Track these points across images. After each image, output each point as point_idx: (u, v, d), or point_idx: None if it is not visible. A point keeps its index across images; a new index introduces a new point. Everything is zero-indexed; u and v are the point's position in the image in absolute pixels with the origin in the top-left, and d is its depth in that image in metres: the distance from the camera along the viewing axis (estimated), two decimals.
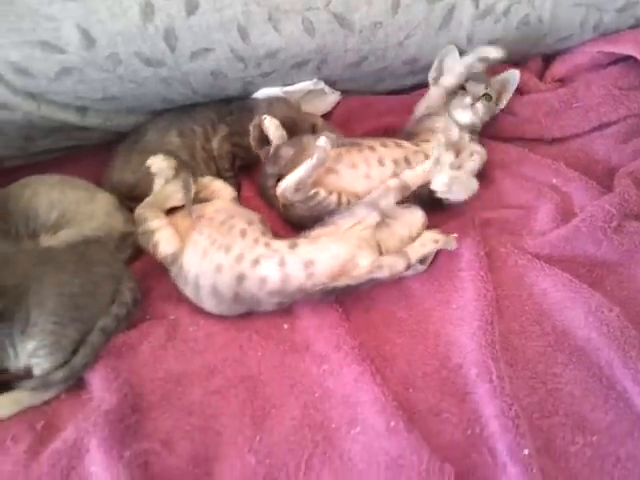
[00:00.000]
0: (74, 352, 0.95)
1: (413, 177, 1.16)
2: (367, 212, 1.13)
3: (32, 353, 0.94)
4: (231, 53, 1.16)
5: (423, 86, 1.44)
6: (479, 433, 0.88)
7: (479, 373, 0.92)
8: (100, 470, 0.84)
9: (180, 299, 1.12)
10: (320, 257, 1.05)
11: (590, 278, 1.07)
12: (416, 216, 1.15)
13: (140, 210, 1.15)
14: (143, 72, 1.14)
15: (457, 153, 1.22)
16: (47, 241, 1.11)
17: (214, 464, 0.88)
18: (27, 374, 0.95)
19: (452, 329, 1.01)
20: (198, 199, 1.20)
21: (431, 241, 1.09)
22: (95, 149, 1.38)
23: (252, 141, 1.24)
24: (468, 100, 1.28)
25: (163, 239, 1.08)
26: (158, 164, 1.19)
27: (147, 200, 1.17)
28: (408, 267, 1.06)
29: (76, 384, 0.98)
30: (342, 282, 1.04)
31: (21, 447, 0.89)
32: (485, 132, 1.35)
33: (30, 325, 0.94)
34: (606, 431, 0.88)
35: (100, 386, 0.95)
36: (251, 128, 1.23)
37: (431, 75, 1.33)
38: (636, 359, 0.92)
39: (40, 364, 0.93)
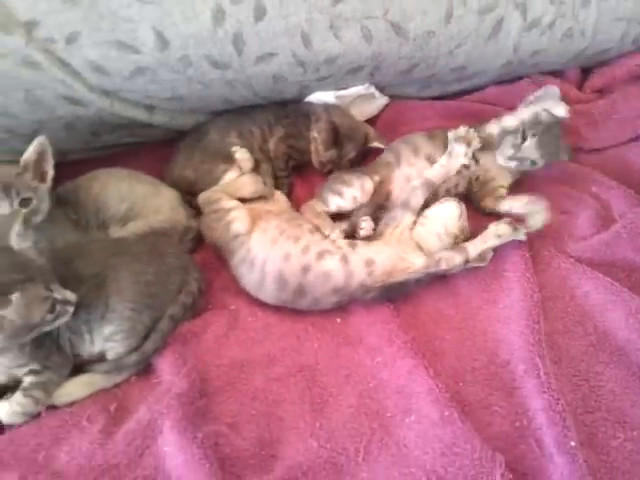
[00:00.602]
0: (145, 337, 1.02)
1: (434, 173, 1.22)
2: (402, 214, 1.20)
3: (109, 337, 1.00)
4: (293, 58, 1.21)
5: (466, 93, 1.53)
6: (527, 425, 0.94)
7: (527, 369, 0.99)
8: (174, 450, 0.90)
9: (239, 291, 1.19)
10: (377, 257, 1.12)
11: (629, 282, 1.13)
12: (449, 209, 1.19)
13: (209, 193, 1.23)
14: (211, 74, 1.19)
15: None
16: (116, 232, 1.18)
17: (278, 447, 0.95)
18: (101, 358, 1.02)
19: (499, 327, 1.07)
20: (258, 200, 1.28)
21: (493, 236, 1.13)
22: (154, 145, 1.44)
23: (322, 144, 1.32)
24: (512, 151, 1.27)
25: (237, 218, 1.16)
26: (242, 154, 1.28)
27: (216, 187, 1.25)
28: (466, 262, 1.11)
29: (145, 368, 1.05)
30: (400, 277, 1.09)
31: (96, 427, 0.97)
32: None
33: (109, 311, 1.00)
34: None
35: (169, 371, 1.02)
36: (316, 133, 1.31)
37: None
38: None
39: (115, 348, 1.00)
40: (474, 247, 1.13)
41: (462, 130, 1.26)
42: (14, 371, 0.99)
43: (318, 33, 1.20)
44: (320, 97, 1.40)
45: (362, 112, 1.48)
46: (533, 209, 1.19)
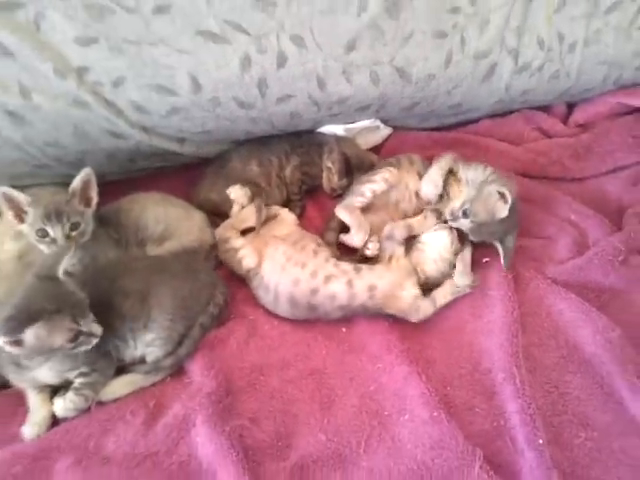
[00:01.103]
0: (179, 343, 1.18)
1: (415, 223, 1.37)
2: (391, 246, 1.35)
3: (150, 343, 1.17)
4: (309, 99, 1.38)
5: (461, 124, 1.69)
6: (503, 425, 1.09)
7: (505, 377, 1.13)
8: (205, 441, 1.05)
9: (257, 303, 1.35)
10: (379, 283, 1.27)
11: (598, 302, 1.28)
12: (441, 239, 1.35)
13: (221, 231, 1.40)
14: (237, 112, 1.35)
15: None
16: (153, 250, 1.34)
17: (292, 439, 1.09)
18: (141, 361, 1.19)
19: (483, 339, 1.22)
20: (266, 222, 1.44)
21: (450, 293, 1.28)
22: (181, 169, 1.58)
23: (336, 174, 1.48)
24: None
25: (246, 255, 1.32)
26: (236, 192, 1.43)
27: (226, 223, 1.42)
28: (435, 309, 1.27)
29: (178, 370, 1.20)
30: (391, 311, 1.26)
31: (138, 420, 1.11)
32: (516, 170, 1.56)
33: (150, 321, 1.17)
34: (605, 429, 1.09)
35: (199, 372, 1.17)
36: (330, 164, 1.47)
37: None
38: (632, 372, 1.13)
39: (154, 352, 1.17)
40: (440, 297, 1.27)
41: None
42: (66, 374, 1.14)
43: (332, 78, 1.36)
44: (331, 129, 1.56)
45: (367, 141, 1.64)
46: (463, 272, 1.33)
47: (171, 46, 1.23)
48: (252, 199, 1.44)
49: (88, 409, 1.15)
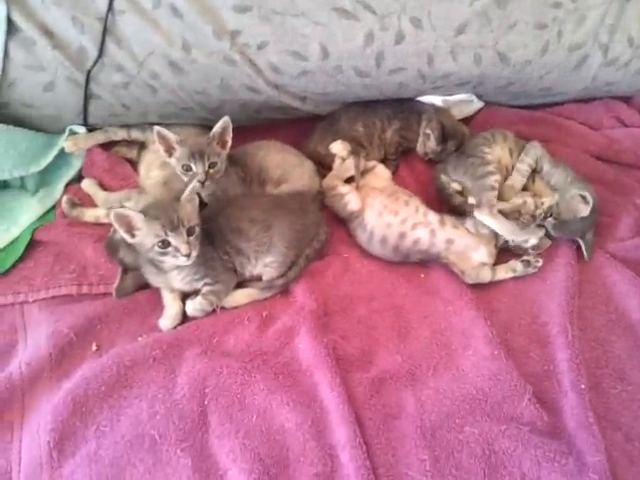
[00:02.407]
0: (289, 268, 1.40)
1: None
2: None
3: (268, 264, 1.39)
4: (417, 73, 1.55)
5: (548, 105, 1.82)
6: (552, 370, 1.24)
7: (559, 330, 1.29)
8: (307, 347, 1.25)
9: (350, 243, 1.54)
10: (457, 240, 1.44)
11: None
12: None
13: (328, 181, 1.59)
14: (354, 79, 1.54)
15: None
16: (271, 190, 1.54)
17: (374, 357, 1.28)
18: (258, 279, 1.41)
19: (544, 298, 1.37)
20: (364, 174, 1.61)
21: (512, 271, 1.42)
22: (296, 122, 1.76)
23: (435, 140, 1.62)
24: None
25: (352, 200, 1.51)
26: (337, 146, 1.60)
27: (332, 174, 1.60)
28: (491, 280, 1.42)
29: (285, 290, 1.41)
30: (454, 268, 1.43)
31: (253, 325, 1.32)
32: (591, 152, 1.70)
33: (272, 246, 1.39)
34: (638, 384, 1.23)
35: (302, 294, 1.37)
36: (429, 130, 1.62)
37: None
38: None
39: (270, 272, 1.39)
40: (501, 272, 1.42)
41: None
42: (194, 283, 1.34)
43: (440, 56, 1.53)
44: (430, 99, 1.72)
45: (460, 112, 1.79)
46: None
47: (309, 18, 1.42)
48: (351, 152, 1.60)
49: (213, 312, 1.36)
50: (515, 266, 1.41)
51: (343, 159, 1.60)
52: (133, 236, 1.27)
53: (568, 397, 1.19)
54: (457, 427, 1.15)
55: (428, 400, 1.20)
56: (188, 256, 1.26)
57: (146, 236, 1.26)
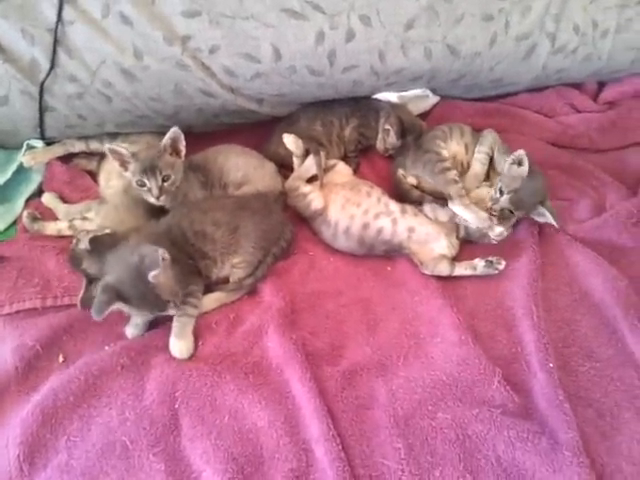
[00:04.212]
0: (256, 268, 1.39)
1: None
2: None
3: (235, 265, 1.38)
4: (370, 69, 1.55)
5: (501, 97, 1.83)
6: (520, 352, 1.25)
7: (524, 313, 1.29)
8: (276, 345, 1.25)
9: (315, 241, 1.54)
10: (418, 228, 1.45)
11: (610, 257, 1.41)
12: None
13: (291, 182, 1.59)
14: (308, 79, 1.53)
15: None
16: (233, 193, 1.53)
17: (343, 350, 1.28)
18: (225, 281, 1.39)
19: (508, 283, 1.39)
20: (326, 172, 1.61)
21: (471, 268, 1.41)
22: (254, 125, 1.76)
23: (395, 135, 1.62)
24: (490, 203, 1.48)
25: (315, 198, 1.51)
26: (288, 139, 1.59)
27: (293, 175, 1.61)
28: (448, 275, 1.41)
29: (251, 292, 1.39)
30: (415, 258, 1.43)
31: (221, 328, 1.31)
32: (547, 139, 1.73)
33: (239, 247, 1.38)
34: (606, 360, 1.24)
35: (270, 293, 1.37)
36: (388, 126, 1.63)
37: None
38: (633, 316, 1.27)
39: (237, 273, 1.37)
40: (460, 268, 1.41)
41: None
42: None
43: (391, 52, 1.53)
44: (385, 96, 1.73)
45: (417, 108, 1.80)
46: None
47: (259, 21, 1.42)
48: (304, 149, 1.60)
49: None
50: (477, 265, 1.40)
51: (297, 156, 1.61)
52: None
53: (537, 377, 1.20)
54: (430, 414, 1.15)
55: (399, 389, 1.20)
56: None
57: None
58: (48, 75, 1.42)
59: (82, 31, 1.39)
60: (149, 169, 1.40)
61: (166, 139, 1.43)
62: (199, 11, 1.39)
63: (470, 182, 1.55)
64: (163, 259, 1.17)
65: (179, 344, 1.25)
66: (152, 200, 1.43)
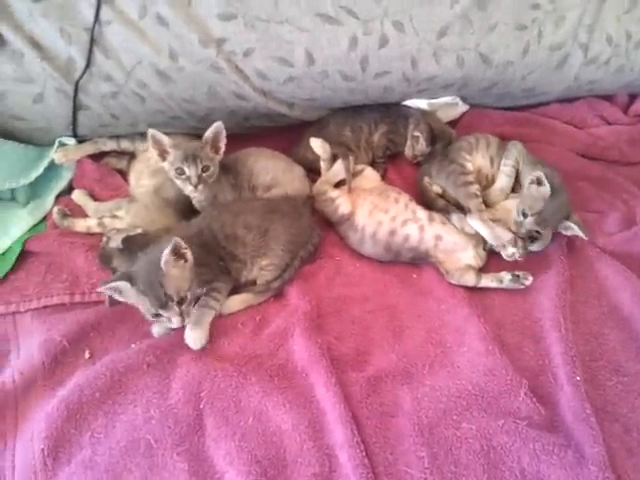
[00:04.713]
0: (284, 271, 1.38)
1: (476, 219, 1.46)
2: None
3: (264, 267, 1.38)
4: (402, 76, 1.55)
5: (532, 106, 1.82)
6: (547, 364, 1.23)
7: (552, 325, 1.28)
8: (301, 349, 1.24)
9: (342, 246, 1.53)
10: (445, 237, 1.44)
11: (638, 271, 1.40)
12: None
13: (318, 186, 1.59)
14: (339, 84, 1.54)
15: None
16: (262, 195, 1.53)
17: (369, 356, 1.27)
18: (252, 283, 1.39)
19: (536, 294, 1.37)
20: (354, 177, 1.61)
21: (497, 281, 1.39)
22: (283, 129, 1.77)
23: (424, 141, 1.63)
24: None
25: (342, 203, 1.50)
26: (316, 142, 1.59)
27: (321, 179, 1.61)
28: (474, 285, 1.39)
29: (277, 295, 1.39)
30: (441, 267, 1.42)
31: (247, 329, 1.31)
32: (577, 150, 1.71)
33: (268, 249, 1.38)
34: (634, 375, 1.22)
35: (296, 297, 1.36)
36: (418, 133, 1.63)
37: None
38: None
39: (265, 275, 1.37)
40: (486, 279, 1.39)
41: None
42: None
43: (424, 59, 1.53)
44: (415, 103, 1.72)
45: (446, 116, 1.79)
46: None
47: (294, 25, 1.42)
48: (332, 154, 1.60)
49: None
50: (503, 278, 1.38)
51: (324, 160, 1.60)
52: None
53: (564, 390, 1.18)
54: (454, 423, 1.13)
55: (424, 397, 1.18)
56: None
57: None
58: (83, 74, 1.44)
59: (119, 31, 1.41)
60: (190, 157, 1.41)
61: (209, 132, 1.45)
62: (235, 14, 1.39)
63: (496, 196, 1.54)
64: (180, 247, 1.19)
65: (193, 333, 1.25)
66: (189, 189, 1.45)
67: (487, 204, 1.50)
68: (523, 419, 1.13)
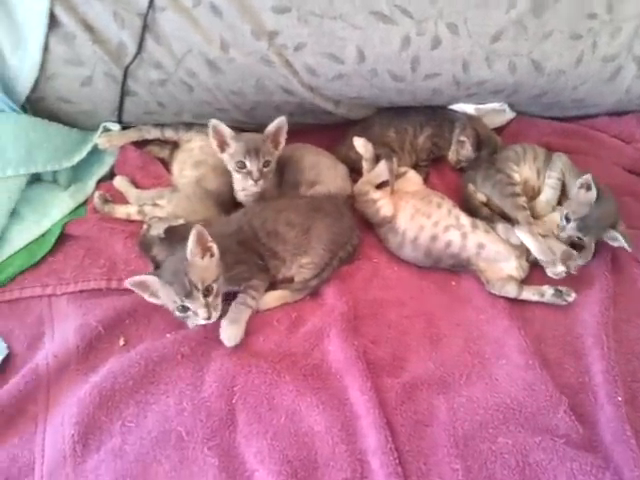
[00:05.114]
0: (322, 270, 1.36)
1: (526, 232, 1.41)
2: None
3: (303, 265, 1.35)
4: (452, 79, 1.52)
5: (581, 117, 1.78)
6: (588, 382, 1.19)
7: (594, 342, 1.24)
8: (337, 350, 1.21)
9: (380, 249, 1.50)
10: (488, 246, 1.40)
11: None
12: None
13: (360, 186, 1.55)
14: (388, 84, 1.51)
15: None
16: (305, 191, 1.51)
17: (405, 363, 1.24)
18: (290, 280, 1.37)
19: (579, 309, 1.33)
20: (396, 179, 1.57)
21: (538, 295, 1.35)
22: (327, 127, 1.75)
23: (471, 147, 1.60)
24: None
25: (384, 205, 1.47)
26: (358, 142, 1.57)
27: (363, 179, 1.58)
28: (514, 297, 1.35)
29: (314, 294, 1.37)
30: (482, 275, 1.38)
31: (282, 327, 1.29)
32: (624, 165, 1.67)
33: (309, 248, 1.36)
34: None
35: (333, 297, 1.33)
36: (464, 138, 1.61)
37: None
38: None
39: (304, 273, 1.35)
40: (528, 292, 1.35)
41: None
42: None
43: (475, 63, 1.50)
44: (462, 107, 1.70)
45: (492, 122, 1.76)
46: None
47: (347, 21, 1.40)
48: (375, 154, 1.57)
49: None
50: (545, 292, 1.34)
51: (366, 160, 1.57)
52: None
53: (604, 410, 1.14)
54: (490, 437, 1.10)
55: (461, 408, 1.15)
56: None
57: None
58: (134, 60, 1.43)
59: (172, 18, 1.40)
60: (253, 151, 1.40)
61: (271, 127, 1.44)
62: (289, 7, 1.38)
63: (542, 208, 1.50)
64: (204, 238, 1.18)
65: (229, 329, 1.23)
66: (250, 183, 1.43)
67: (532, 216, 1.45)
68: (561, 437, 1.10)
